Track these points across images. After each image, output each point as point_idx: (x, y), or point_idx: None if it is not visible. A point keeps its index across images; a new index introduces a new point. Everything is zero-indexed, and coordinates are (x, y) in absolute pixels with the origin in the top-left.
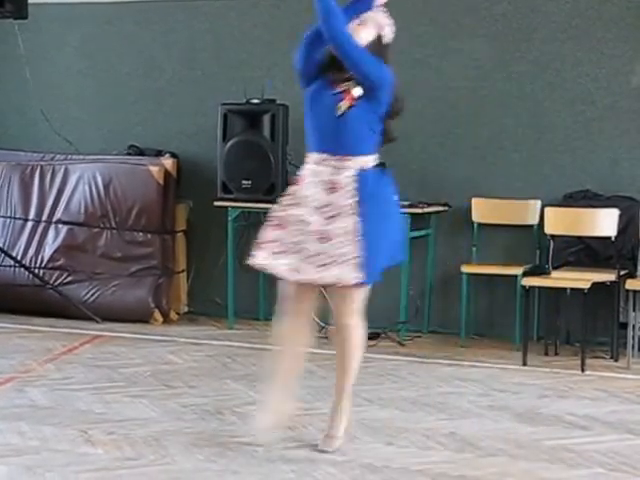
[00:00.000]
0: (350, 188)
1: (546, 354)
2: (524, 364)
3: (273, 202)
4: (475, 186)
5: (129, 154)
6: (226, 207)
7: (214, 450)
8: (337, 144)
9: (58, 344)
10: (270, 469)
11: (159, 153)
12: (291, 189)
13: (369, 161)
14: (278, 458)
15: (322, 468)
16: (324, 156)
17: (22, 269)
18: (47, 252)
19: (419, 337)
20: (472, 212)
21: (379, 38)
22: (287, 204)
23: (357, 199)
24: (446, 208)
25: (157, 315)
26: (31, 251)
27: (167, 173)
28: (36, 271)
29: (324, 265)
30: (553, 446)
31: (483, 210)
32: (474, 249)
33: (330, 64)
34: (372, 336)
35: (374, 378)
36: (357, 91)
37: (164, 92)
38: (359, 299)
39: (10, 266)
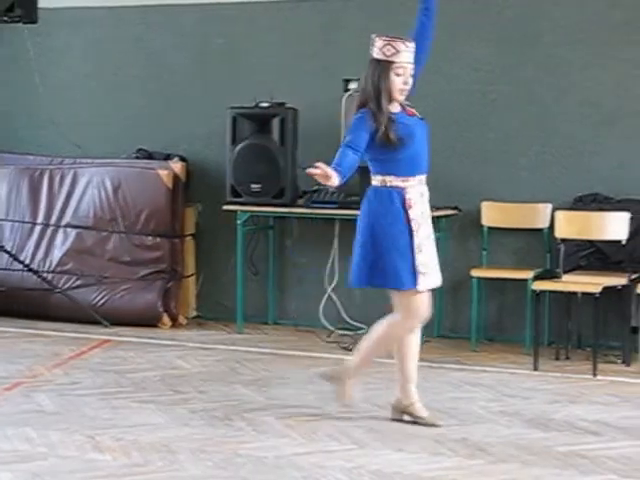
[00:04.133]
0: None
1: (557, 359)
2: (535, 369)
3: (282, 206)
4: (485, 190)
5: (137, 158)
6: (235, 211)
7: (223, 456)
8: (425, 164)
9: (66, 348)
10: (279, 475)
11: (168, 157)
12: (411, 214)
13: None
14: (287, 465)
15: (331, 474)
16: (422, 177)
17: (30, 273)
18: (56, 256)
19: (429, 342)
20: (482, 216)
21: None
22: (415, 229)
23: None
24: (456, 212)
25: (166, 319)
26: (40, 255)
27: (176, 177)
28: (44, 275)
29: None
30: (565, 452)
31: (493, 214)
32: (484, 253)
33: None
34: None
35: (384, 383)
36: None
37: (173, 95)
38: None
39: (18, 270)
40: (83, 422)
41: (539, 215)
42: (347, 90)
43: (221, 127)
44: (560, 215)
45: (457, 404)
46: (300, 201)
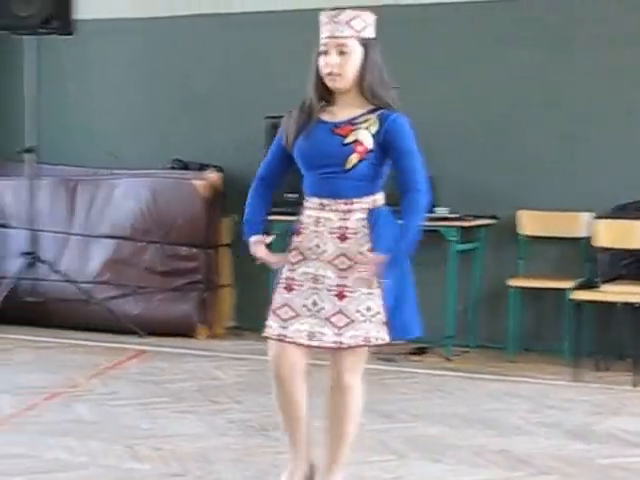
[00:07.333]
0: (362, 234)
1: (597, 370)
2: (575, 380)
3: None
4: (522, 198)
5: (173, 168)
6: (271, 221)
7: (260, 467)
8: (341, 188)
9: (103, 359)
10: None
11: (203, 167)
12: (294, 243)
13: (378, 199)
14: None
15: None
16: (325, 201)
17: (68, 284)
18: (92, 267)
19: (467, 352)
20: (519, 224)
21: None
22: (295, 261)
23: (371, 245)
24: (494, 221)
25: (201, 329)
26: (77, 266)
27: (211, 187)
28: (81, 286)
29: (345, 326)
30: (607, 464)
31: (530, 222)
32: (521, 262)
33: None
34: (418, 351)
35: (422, 394)
36: (370, 143)
37: (207, 105)
38: (365, 357)
39: (56, 281)
40: (122, 432)
41: (578, 223)
42: None
43: (256, 136)
44: (600, 223)
45: (496, 415)
46: None
